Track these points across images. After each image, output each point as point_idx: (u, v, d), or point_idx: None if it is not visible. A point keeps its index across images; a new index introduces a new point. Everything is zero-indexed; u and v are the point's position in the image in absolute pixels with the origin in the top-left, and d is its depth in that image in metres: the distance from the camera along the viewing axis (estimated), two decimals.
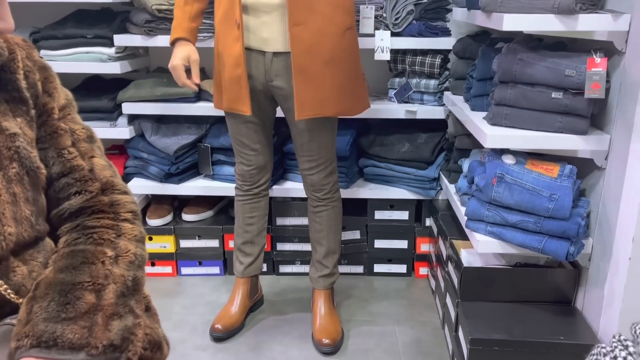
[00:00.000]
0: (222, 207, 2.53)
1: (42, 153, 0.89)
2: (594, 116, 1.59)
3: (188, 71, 1.78)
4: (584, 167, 1.65)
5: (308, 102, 1.66)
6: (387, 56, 2.15)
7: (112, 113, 2.29)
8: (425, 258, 2.39)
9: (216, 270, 2.41)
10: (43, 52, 2.22)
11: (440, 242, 2.13)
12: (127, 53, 2.32)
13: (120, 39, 2.20)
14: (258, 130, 1.84)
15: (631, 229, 1.45)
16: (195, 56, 1.72)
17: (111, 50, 2.22)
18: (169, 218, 2.40)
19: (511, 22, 1.48)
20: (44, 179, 0.88)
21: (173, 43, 1.75)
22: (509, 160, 1.62)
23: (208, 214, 2.44)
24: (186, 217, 2.40)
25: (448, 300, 1.92)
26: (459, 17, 2.02)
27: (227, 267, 2.42)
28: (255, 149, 1.87)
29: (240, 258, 2.03)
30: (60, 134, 0.91)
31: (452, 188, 2.04)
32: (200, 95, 2.32)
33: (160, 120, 2.37)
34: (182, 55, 1.70)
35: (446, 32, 2.21)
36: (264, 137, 1.87)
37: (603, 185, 1.58)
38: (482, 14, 1.64)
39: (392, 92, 2.31)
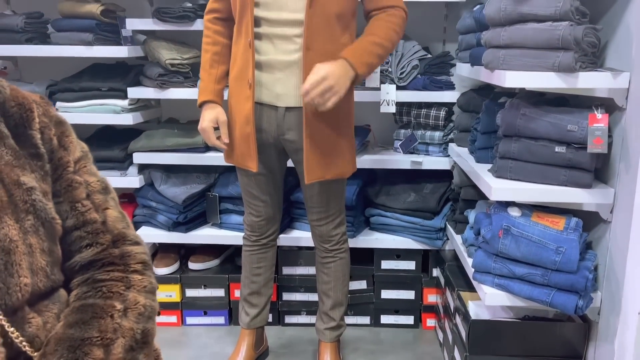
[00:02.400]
0: (228, 255, 2.54)
1: (57, 207, 0.91)
2: (598, 170, 1.61)
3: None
4: (590, 220, 1.66)
5: (316, 165, 1.71)
6: (392, 109, 2.20)
7: (123, 162, 2.34)
8: (432, 309, 2.37)
9: (221, 320, 2.39)
10: (59, 104, 2.29)
11: (448, 293, 2.11)
12: (140, 105, 2.39)
13: (134, 92, 2.28)
14: (268, 182, 1.86)
15: (639, 283, 1.45)
16: (223, 118, 1.75)
17: (124, 102, 2.28)
18: (175, 267, 2.41)
19: (513, 80, 1.53)
20: (60, 229, 0.90)
21: (201, 105, 1.78)
22: (514, 212, 1.64)
23: (214, 262, 2.45)
24: (192, 265, 2.41)
25: (456, 354, 1.89)
26: (463, 73, 2.08)
27: (232, 317, 2.40)
28: (264, 201, 1.89)
29: (246, 309, 2.02)
30: (74, 186, 0.93)
31: (458, 239, 2.05)
32: (209, 146, 2.37)
33: (169, 170, 2.41)
34: (211, 118, 1.73)
35: (450, 86, 2.27)
36: (273, 189, 1.89)
37: (609, 238, 1.58)
38: (485, 70, 1.69)
39: (397, 143, 2.35)
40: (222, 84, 1.79)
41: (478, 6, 2.02)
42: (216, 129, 1.77)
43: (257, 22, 1.63)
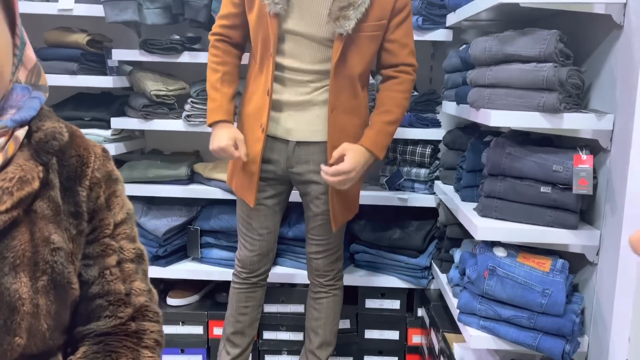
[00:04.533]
0: (208, 291, 2.47)
1: (86, 270, 0.86)
2: (584, 211, 1.59)
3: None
4: (576, 262, 1.63)
5: (339, 211, 1.78)
6: None
7: None
8: (417, 350, 2.31)
9: (199, 358, 2.30)
10: None
11: (433, 334, 2.06)
12: (123, 135, 2.35)
13: (118, 122, 2.25)
14: (268, 215, 1.82)
15: (626, 328, 1.41)
16: (241, 136, 1.71)
17: (107, 133, 2.25)
18: None
19: (498, 119, 1.52)
20: (74, 294, 0.84)
21: (212, 124, 1.73)
22: (500, 252, 1.61)
23: (194, 298, 2.38)
24: (171, 301, 2.33)
25: None
26: (449, 111, 2.08)
27: (210, 356, 2.31)
28: (261, 234, 1.84)
29: (227, 348, 1.94)
30: (108, 253, 0.87)
31: (443, 278, 2.01)
32: (192, 178, 2.34)
33: (151, 202, 2.37)
34: (230, 136, 1.68)
35: (436, 124, 2.27)
36: (272, 223, 1.84)
37: (596, 281, 1.56)
38: (470, 108, 1.69)
39: (383, 179, 2.33)
40: (233, 104, 1.76)
41: (464, 46, 2.04)
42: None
43: (276, 66, 1.66)
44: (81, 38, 2.21)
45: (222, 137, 1.69)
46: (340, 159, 1.63)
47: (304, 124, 1.70)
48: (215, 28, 1.76)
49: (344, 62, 1.63)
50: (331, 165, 1.65)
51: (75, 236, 0.83)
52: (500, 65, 1.56)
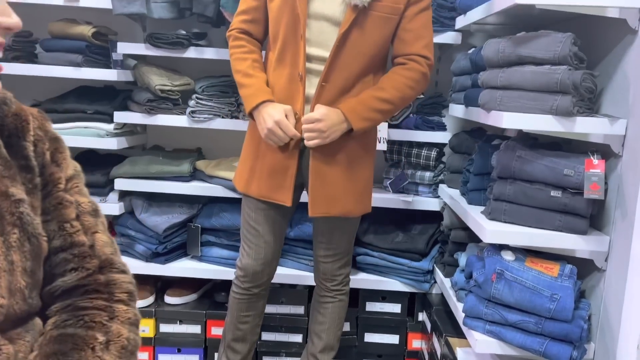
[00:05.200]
0: (207, 290, 2.43)
1: (45, 225, 0.86)
2: (593, 217, 1.58)
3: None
4: (584, 268, 1.62)
5: (319, 199, 1.65)
6: (383, 147, 2.17)
7: (103, 188, 2.25)
8: (416, 355, 2.28)
9: (196, 358, 2.27)
10: None
11: (434, 339, 2.04)
12: (125, 130, 2.32)
13: (120, 116, 2.22)
14: (277, 220, 1.74)
15: (635, 336, 1.40)
16: (289, 108, 1.60)
17: (110, 127, 2.22)
18: (150, 299, 2.29)
19: (510, 121, 1.51)
20: (46, 247, 0.85)
21: (254, 108, 1.62)
22: (508, 256, 1.59)
23: (192, 297, 2.34)
24: (169, 299, 2.29)
25: None
26: (457, 114, 2.07)
27: (207, 356, 2.28)
28: (267, 241, 1.75)
29: (228, 354, 1.89)
30: (65, 205, 0.89)
31: (447, 282, 1.99)
32: (194, 175, 2.31)
33: (151, 198, 2.33)
34: (281, 111, 1.58)
35: (442, 127, 2.25)
36: (279, 229, 1.77)
37: (604, 287, 1.54)
38: (481, 111, 1.68)
39: (387, 182, 2.31)
40: (269, 88, 1.66)
41: (474, 48, 2.03)
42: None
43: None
44: (86, 30, 2.18)
45: (274, 112, 1.57)
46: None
47: None
48: (235, 23, 1.71)
49: (351, 35, 1.55)
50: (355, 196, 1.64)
51: (32, 190, 0.85)
52: (513, 67, 1.55)
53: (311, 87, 1.61)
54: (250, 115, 1.66)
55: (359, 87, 1.63)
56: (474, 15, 1.86)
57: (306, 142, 1.59)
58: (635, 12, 1.44)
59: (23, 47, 2.27)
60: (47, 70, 2.20)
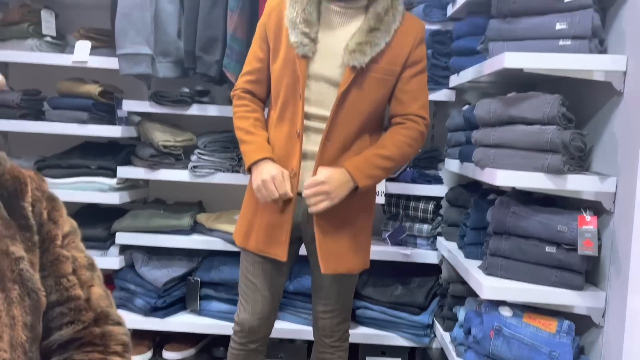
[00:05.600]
0: (205, 345, 2.42)
1: (43, 281, 0.89)
2: (589, 272, 1.60)
3: None
4: (582, 324, 1.62)
5: (329, 256, 1.66)
6: (381, 200, 2.21)
7: (104, 242, 2.28)
8: None
9: None
10: (46, 179, 2.26)
11: None
12: (128, 184, 2.37)
13: (123, 171, 2.27)
14: (274, 274, 1.74)
15: None
16: (287, 172, 1.64)
17: (112, 181, 2.27)
18: (148, 355, 2.28)
19: (504, 178, 1.55)
20: (44, 302, 0.88)
21: (254, 163, 1.65)
22: (506, 312, 1.60)
23: (190, 352, 2.32)
24: (167, 355, 2.28)
25: None
26: (452, 168, 2.12)
27: None
28: (264, 296, 1.75)
29: None
30: (61, 261, 0.92)
31: (446, 336, 1.98)
32: (195, 228, 2.33)
33: (152, 251, 2.35)
34: (278, 169, 1.62)
35: (438, 180, 2.30)
36: (277, 284, 1.77)
37: (602, 343, 1.54)
38: (475, 167, 1.72)
39: (385, 234, 2.34)
40: (270, 146, 1.70)
41: (467, 106, 2.10)
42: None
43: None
44: (93, 89, 2.26)
45: (270, 169, 1.61)
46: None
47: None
48: (239, 83, 1.77)
49: (350, 95, 1.61)
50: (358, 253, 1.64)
51: (31, 247, 0.89)
52: (504, 126, 1.61)
53: (308, 143, 1.66)
54: (249, 171, 1.70)
55: (358, 144, 1.67)
56: (467, 75, 1.93)
57: (313, 209, 1.58)
58: (620, 75, 1.50)
59: (31, 105, 2.35)
60: (52, 128, 2.27)
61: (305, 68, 1.62)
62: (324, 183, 1.57)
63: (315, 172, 1.62)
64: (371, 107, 1.66)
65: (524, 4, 1.60)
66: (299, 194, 1.66)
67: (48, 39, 2.34)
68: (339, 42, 1.62)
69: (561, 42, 1.54)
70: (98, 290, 0.94)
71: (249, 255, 1.76)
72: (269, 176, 1.60)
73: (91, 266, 0.97)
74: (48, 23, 2.31)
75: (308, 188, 1.57)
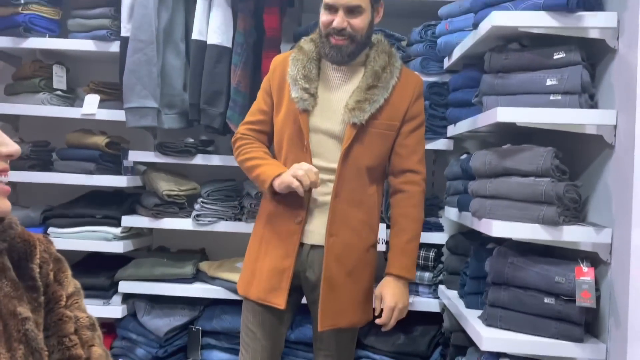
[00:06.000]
0: None
1: (46, 341, 0.93)
2: (590, 324, 1.59)
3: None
4: None
5: (330, 311, 1.69)
6: (383, 247, 2.22)
7: (107, 291, 2.29)
8: None
9: None
10: (51, 229, 2.31)
11: None
12: (132, 233, 2.40)
13: (128, 220, 2.30)
14: (274, 324, 1.75)
15: None
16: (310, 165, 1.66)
17: (117, 230, 2.30)
18: None
19: (500, 229, 1.57)
20: None
21: (278, 175, 1.66)
22: None
23: None
24: None
25: None
26: (451, 217, 2.14)
27: None
28: (264, 346, 1.74)
29: None
30: (65, 321, 0.97)
31: None
32: (197, 276, 2.35)
33: (154, 300, 2.36)
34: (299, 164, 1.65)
35: (439, 228, 2.32)
36: (277, 333, 1.77)
37: None
38: (472, 217, 1.74)
39: None
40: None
41: (464, 155, 2.14)
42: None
43: None
44: (100, 140, 2.33)
45: (290, 168, 1.64)
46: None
47: (320, 227, 1.70)
48: (241, 130, 1.81)
49: (353, 150, 1.67)
50: (377, 315, 1.69)
51: (37, 307, 0.94)
52: (499, 177, 1.64)
53: (312, 193, 1.70)
54: (270, 190, 1.68)
55: (366, 199, 1.73)
56: (463, 126, 1.98)
57: (388, 326, 1.68)
58: (611, 129, 1.54)
59: (40, 156, 2.42)
60: (60, 178, 2.33)
61: (307, 121, 1.68)
62: (396, 305, 1.67)
63: (329, 227, 1.67)
64: (374, 161, 1.72)
65: (515, 61, 1.67)
66: (301, 244, 1.70)
67: (59, 92, 2.42)
68: (337, 98, 1.69)
69: (552, 97, 1.59)
70: (98, 350, 0.98)
71: (250, 304, 1.77)
72: (297, 169, 1.62)
73: (92, 326, 1.01)
74: (59, 77, 2.41)
75: (386, 320, 1.66)
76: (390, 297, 1.67)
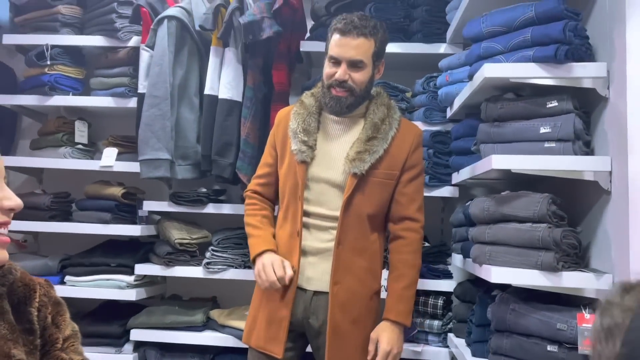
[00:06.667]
0: None
1: None
2: None
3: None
4: None
5: (337, 357, 1.71)
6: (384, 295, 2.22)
7: (119, 339, 2.33)
8: None
9: None
10: (68, 277, 2.39)
11: None
12: (146, 281, 2.46)
13: (141, 268, 2.37)
14: None
15: None
16: (288, 261, 1.73)
17: (130, 278, 2.36)
18: None
19: (499, 275, 1.58)
20: None
21: (258, 255, 1.75)
22: None
23: None
24: None
25: None
26: (457, 264, 2.15)
27: None
28: None
29: None
30: None
31: None
32: (208, 324, 2.37)
33: (164, 348, 2.38)
34: (279, 258, 1.72)
35: (448, 275, 2.31)
36: None
37: None
38: (473, 263, 1.75)
39: None
40: (275, 242, 1.80)
41: (469, 202, 2.16)
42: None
43: (303, 212, 1.76)
44: (117, 191, 2.43)
45: (271, 256, 1.72)
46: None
47: (322, 274, 1.74)
48: (251, 185, 1.91)
49: (354, 199, 1.72)
50: (372, 358, 1.71)
51: (32, 350, 0.98)
52: (498, 224, 1.66)
53: (307, 240, 1.76)
54: (254, 262, 1.78)
55: (369, 247, 1.77)
56: (465, 173, 2.02)
57: None
58: (606, 175, 1.56)
59: (60, 207, 2.52)
60: (79, 228, 2.42)
61: (303, 173, 1.75)
62: (391, 349, 1.69)
63: (333, 274, 1.72)
64: (375, 209, 1.77)
65: (509, 110, 1.71)
66: (300, 289, 1.73)
67: (80, 146, 2.56)
68: (338, 149, 1.76)
69: (546, 145, 1.62)
70: None
71: (253, 352, 1.79)
72: (268, 261, 1.70)
73: None
74: (81, 132, 2.54)
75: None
76: (386, 341, 1.69)
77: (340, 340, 1.72)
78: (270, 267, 1.69)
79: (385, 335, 1.70)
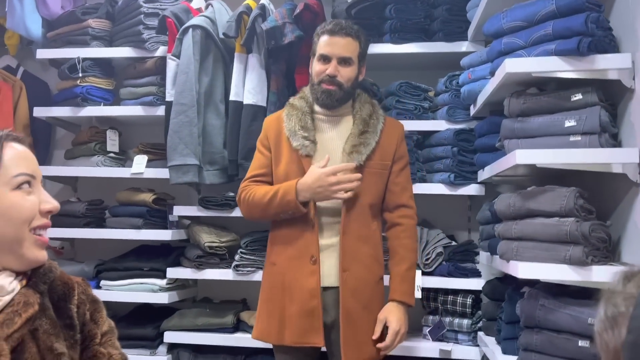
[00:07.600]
0: None
1: None
2: None
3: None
4: None
5: (352, 345, 1.77)
6: (418, 294, 2.22)
7: (153, 341, 2.39)
8: None
9: None
10: (103, 282, 2.46)
11: None
12: (177, 284, 2.51)
13: (172, 272, 2.42)
14: None
15: None
16: (316, 164, 1.80)
17: (163, 282, 2.42)
18: None
19: (527, 271, 1.57)
20: None
21: (294, 188, 1.78)
22: None
23: None
24: None
25: None
26: (484, 261, 2.13)
27: None
28: None
29: None
30: (99, 357, 1.07)
31: None
32: (238, 326, 2.41)
33: (197, 350, 2.43)
34: (312, 171, 1.78)
35: (476, 273, 2.30)
36: None
37: None
38: (500, 259, 1.74)
39: (426, 330, 2.32)
40: None
41: (495, 199, 2.14)
42: None
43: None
44: (148, 197, 2.50)
45: (310, 174, 1.77)
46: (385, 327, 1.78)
47: (330, 269, 1.81)
48: (244, 184, 1.93)
49: (355, 190, 1.80)
50: (376, 339, 1.77)
51: (73, 344, 1.03)
52: (525, 219, 1.65)
53: (321, 233, 1.83)
54: (298, 202, 1.77)
55: (371, 234, 1.87)
56: (490, 171, 2.01)
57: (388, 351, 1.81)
58: (635, 167, 1.53)
59: (94, 214, 2.61)
60: (112, 234, 2.50)
61: (310, 165, 1.82)
62: (400, 329, 1.79)
63: (341, 263, 1.79)
64: (374, 198, 1.87)
65: (533, 104, 1.70)
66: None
67: (112, 154, 2.64)
68: (333, 144, 1.87)
69: (572, 138, 1.60)
70: None
71: (281, 350, 1.84)
72: (313, 178, 1.76)
73: None
74: (112, 141, 2.62)
75: (390, 343, 1.78)
76: (395, 321, 1.78)
77: (354, 326, 1.78)
78: (325, 178, 1.74)
79: (393, 316, 1.79)
